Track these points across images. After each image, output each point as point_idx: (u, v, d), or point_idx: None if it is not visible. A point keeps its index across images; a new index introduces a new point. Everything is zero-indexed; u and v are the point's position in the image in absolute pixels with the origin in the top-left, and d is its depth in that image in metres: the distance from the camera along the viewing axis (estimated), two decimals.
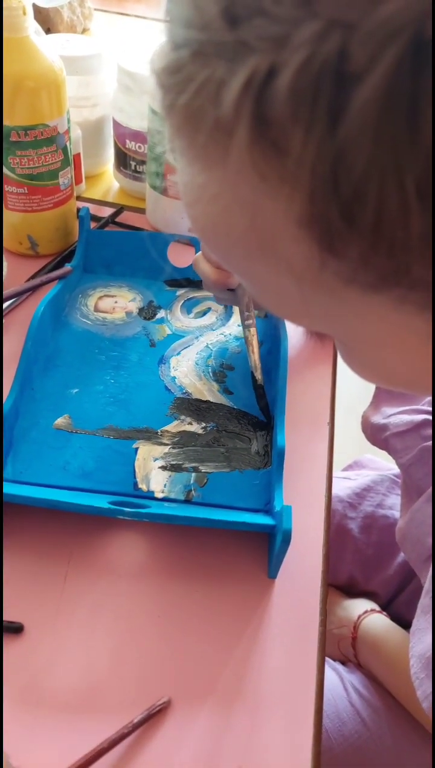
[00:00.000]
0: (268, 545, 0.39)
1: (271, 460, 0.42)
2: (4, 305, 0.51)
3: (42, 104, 0.49)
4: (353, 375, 0.26)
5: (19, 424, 0.43)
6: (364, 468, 0.75)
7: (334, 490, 0.68)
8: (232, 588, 0.37)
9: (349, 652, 0.56)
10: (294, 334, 0.53)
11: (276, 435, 0.42)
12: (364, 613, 0.57)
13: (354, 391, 1.00)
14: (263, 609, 0.37)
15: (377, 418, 0.48)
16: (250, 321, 0.45)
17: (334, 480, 0.70)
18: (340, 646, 0.57)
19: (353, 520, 0.65)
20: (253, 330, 0.44)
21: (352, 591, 0.64)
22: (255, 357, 0.45)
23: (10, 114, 0.48)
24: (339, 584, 0.65)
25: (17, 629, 0.34)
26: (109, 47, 0.65)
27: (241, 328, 0.53)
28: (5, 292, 0.49)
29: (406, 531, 0.44)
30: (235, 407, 0.46)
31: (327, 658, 0.56)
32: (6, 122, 0.48)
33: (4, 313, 0.51)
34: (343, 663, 0.56)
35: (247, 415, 0.46)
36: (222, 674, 0.34)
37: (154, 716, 0.32)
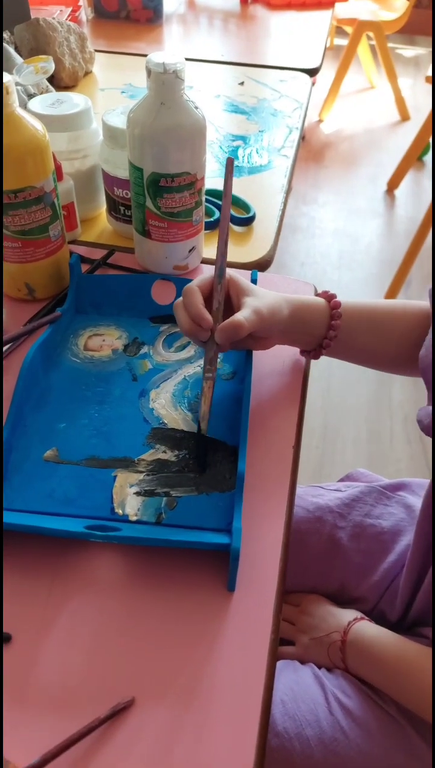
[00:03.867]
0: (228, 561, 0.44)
1: (235, 483, 0.47)
2: (3, 349, 0.57)
3: (28, 169, 0.55)
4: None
5: (13, 457, 0.49)
6: (356, 481, 0.79)
7: (325, 501, 0.72)
8: (195, 599, 0.42)
9: (337, 656, 0.60)
10: (269, 363, 0.58)
11: (238, 461, 0.46)
12: (353, 620, 0.61)
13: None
14: (221, 618, 0.41)
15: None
16: (210, 375, 0.48)
17: (325, 491, 0.75)
18: (329, 651, 0.61)
19: (343, 530, 0.69)
20: (210, 383, 0.48)
21: (343, 597, 0.67)
22: (205, 408, 0.48)
23: None
24: (330, 591, 0.68)
25: (6, 639, 0.40)
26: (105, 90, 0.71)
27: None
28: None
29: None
30: (206, 435, 0.51)
31: (313, 666, 0.60)
32: None
33: (4, 357, 0.57)
34: (329, 669, 0.60)
35: (217, 442, 0.50)
36: (180, 677, 0.38)
37: (119, 713, 0.37)
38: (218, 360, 0.57)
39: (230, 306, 0.51)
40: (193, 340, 0.50)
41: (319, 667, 0.60)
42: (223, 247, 0.51)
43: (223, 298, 0.50)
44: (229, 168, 0.52)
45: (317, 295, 0.54)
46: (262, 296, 0.50)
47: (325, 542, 0.69)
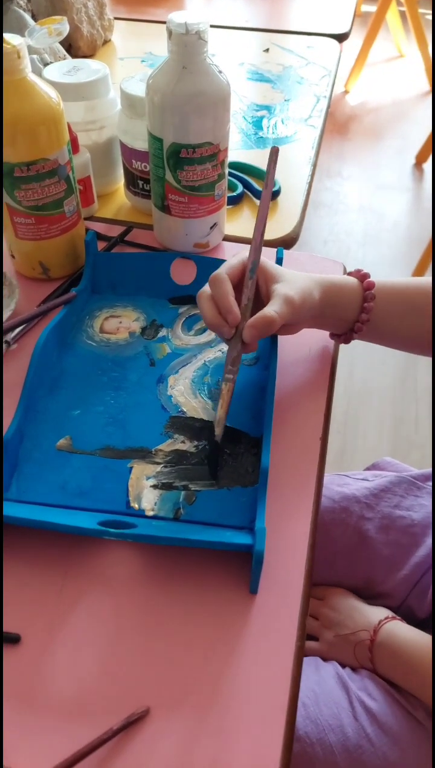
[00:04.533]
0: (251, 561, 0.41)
1: (258, 477, 0.44)
2: (16, 332, 0.54)
3: (41, 140, 0.51)
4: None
5: (24, 445, 0.46)
6: (382, 470, 0.75)
7: (351, 491, 0.68)
8: (215, 600, 0.39)
9: (365, 656, 0.57)
10: (294, 349, 0.54)
11: (262, 454, 0.43)
12: (384, 618, 0.58)
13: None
14: (243, 622, 0.39)
15: None
16: (230, 377, 0.44)
17: (351, 480, 0.71)
18: (355, 650, 0.58)
19: (370, 521, 0.66)
20: (229, 385, 0.44)
21: (369, 592, 0.65)
22: (221, 412, 0.45)
23: (12, 151, 0.51)
24: (356, 585, 0.66)
25: (15, 640, 0.38)
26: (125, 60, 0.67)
27: None
28: (14, 320, 0.53)
29: None
30: (227, 425, 0.48)
31: (336, 665, 0.57)
32: (8, 159, 0.51)
33: (16, 339, 0.54)
34: (353, 669, 0.57)
35: (239, 433, 0.47)
36: (198, 685, 0.36)
37: (133, 724, 0.35)
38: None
39: (257, 294, 0.47)
40: (217, 334, 0.46)
41: (343, 666, 0.57)
42: (258, 240, 0.46)
43: (253, 293, 0.46)
44: (274, 158, 0.47)
45: (349, 274, 0.51)
46: (292, 281, 0.46)
47: (351, 534, 0.66)
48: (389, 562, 0.64)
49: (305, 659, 0.58)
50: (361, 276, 0.49)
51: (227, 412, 0.45)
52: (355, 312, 0.49)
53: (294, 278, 0.47)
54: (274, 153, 0.47)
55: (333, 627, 0.60)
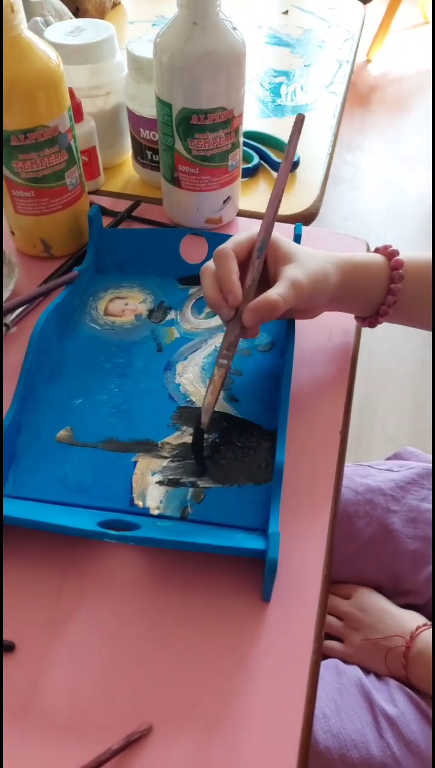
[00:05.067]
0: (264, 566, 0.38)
1: (272, 475, 0.40)
2: (15, 313, 0.51)
3: (39, 105, 0.48)
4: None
5: (22, 437, 0.43)
6: (406, 461, 0.71)
7: (376, 483, 0.65)
8: (225, 609, 0.36)
9: (398, 663, 0.54)
10: (312, 334, 0.50)
11: (276, 450, 0.40)
12: (423, 625, 0.54)
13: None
14: (254, 633, 0.36)
15: None
16: (224, 362, 0.41)
17: (375, 471, 0.68)
18: (387, 656, 0.55)
19: (396, 514, 0.63)
20: (222, 372, 0.41)
21: (394, 589, 0.61)
22: (210, 399, 0.41)
23: (8, 118, 0.47)
24: (380, 581, 0.62)
25: (9, 648, 0.35)
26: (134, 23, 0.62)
27: None
28: (13, 301, 0.49)
29: None
30: (239, 416, 0.44)
31: (358, 671, 0.54)
32: (4, 127, 0.47)
33: (16, 321, 0.51)
34: (378, 677, 0.54)
35: (252, 425, 0.44)
36: (205, 702, 0.33)
37: (134, 743, 0.32)
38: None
39: (265, 274, 0.43)
40: (217, 314, 0.43)
41: (367, 672, 0.54)
42: (271, 216, 0.42)
43: (259, 273, 0.42)
44: (298, 127, 0.42)
45: (376, 249, 0.46)
46: (305, 262, 0.42)
47: (375, 527, 0.62)
48: (416, 557, 0.61)
49: (325, 662, 0.55)
50: (389, 253, 0.44)
51: (217, 399, 0.41)
52: (380, 294, 0.44)
53: (308, 259, 0.42)
54: (300, 121, 0.42)
55: (361, 629, 0.57)
